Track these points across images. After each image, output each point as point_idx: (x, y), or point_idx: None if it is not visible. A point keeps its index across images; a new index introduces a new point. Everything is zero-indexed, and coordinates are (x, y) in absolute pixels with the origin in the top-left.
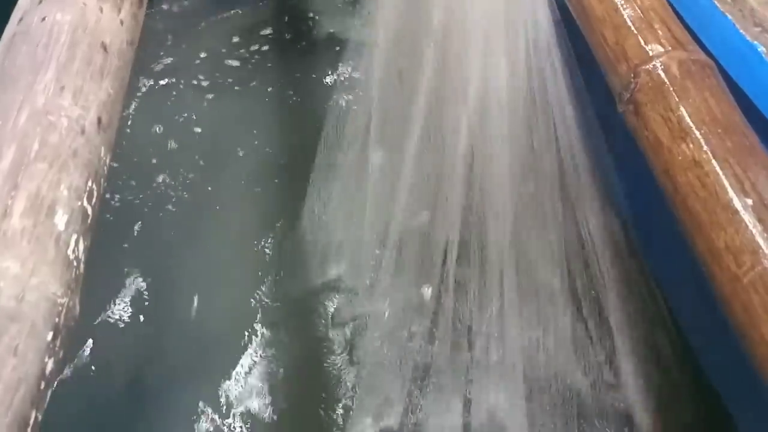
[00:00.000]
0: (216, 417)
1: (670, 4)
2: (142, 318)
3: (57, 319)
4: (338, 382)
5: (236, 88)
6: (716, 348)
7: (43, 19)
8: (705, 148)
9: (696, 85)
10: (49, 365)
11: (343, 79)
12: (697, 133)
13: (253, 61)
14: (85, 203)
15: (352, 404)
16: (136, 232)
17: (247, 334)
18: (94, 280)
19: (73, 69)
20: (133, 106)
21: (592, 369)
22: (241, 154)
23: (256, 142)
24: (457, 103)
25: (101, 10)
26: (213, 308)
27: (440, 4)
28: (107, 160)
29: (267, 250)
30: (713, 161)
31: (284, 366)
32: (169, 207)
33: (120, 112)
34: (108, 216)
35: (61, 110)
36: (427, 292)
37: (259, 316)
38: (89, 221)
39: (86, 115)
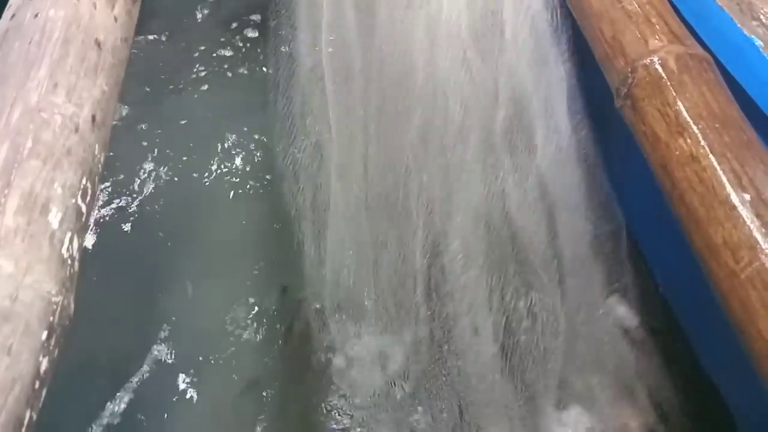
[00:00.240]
0: None
1: None
2: None
3: (51, 318)
4: None
5: None
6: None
7: (36, 15)
8: (703, 142)
9: (693, 80)
10: (44, 364)
11: None
12: (695, 127)
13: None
14: (80, 201)
15: None
16: None
17: None
18: None
19: (66, 66)
20: None
21: None
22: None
23: None
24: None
25: (95, 6)
26: None
27: None
28: (102, 158)
29: None
30: (711, 156)
31: None
32: None
33: (114, 110)
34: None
35: (54, 108)
36: None
37: None
38: (84, 219)
39: (80, 112)
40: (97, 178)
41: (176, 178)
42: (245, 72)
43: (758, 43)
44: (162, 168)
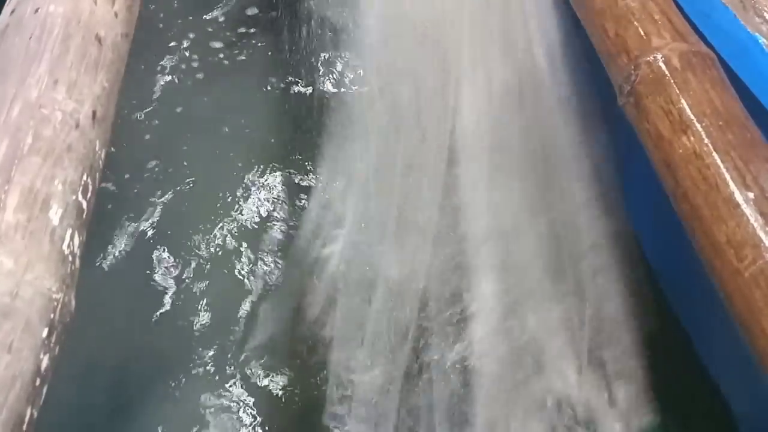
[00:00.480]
0: None
1: None
2: None
3: (52, 315)
4: None
5: None
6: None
7: (36, 10)
8: (706, 140)
9: (697, 77)
10: (45, 362)
11: None
12: (698, 125)
13: None
14: (80, 197)
15: None
16: None
17: None
18: None
19: (67, 62)
20: None
21: None
22: None
23: None
24: None
25: (95, 1)
26: None
27: None
28: (102, 155)
29: None
30: (714, 154)
31: None
32: None
33: (115, 106)
34: None
35: (54, 104)
36: None
37: None
38: (84, 216)
39: (80, 108)
40: (97, 174)
41: (179, 173)
42: (248, 61)
43: (762, 40)
44: (164, 163)
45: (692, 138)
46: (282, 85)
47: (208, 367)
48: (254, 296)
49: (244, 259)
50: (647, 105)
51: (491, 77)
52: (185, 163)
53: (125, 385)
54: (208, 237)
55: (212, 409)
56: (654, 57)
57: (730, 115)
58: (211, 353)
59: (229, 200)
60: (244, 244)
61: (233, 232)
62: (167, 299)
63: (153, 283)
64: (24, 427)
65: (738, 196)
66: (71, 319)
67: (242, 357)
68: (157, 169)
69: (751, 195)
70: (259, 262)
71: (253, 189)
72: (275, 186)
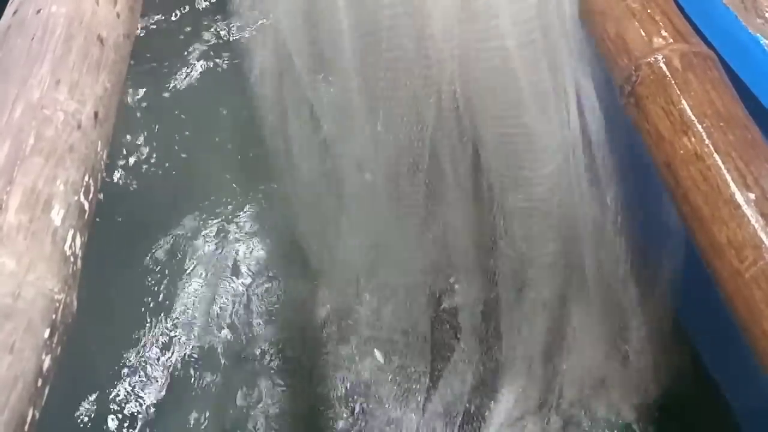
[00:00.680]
0: None
1: None
2: None
3: (54, 316)
4: None
5: None
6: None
7: (38, 11)
8: (707, 141)
9: (698, 78)
10: (47, 362)
11: None
12: (699, 126)
13: None
14: (82, 198)
15: None
16: None
17: None
18: None
19: (69, 62)
20: None
21: None
22: None
23: None
24: None
25: (97, 2)
26: None
27: None
28: (104, 155)
29: None
30: (715, 155)
31: None
32: None
33: (117, 107)
34: None
35: (56, 104)
36: None
37: None
38: (86, 216)
39: (82, 109)
40: (99, 174)
41: (177, 170)
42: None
43: (763, 41)
44: (163, 160)
45: (693, 139)
46: None
47: (208, 368)
48: (255, 297)
49: (245, 261)
50: (648, 106)
51: None
52: (185, 164)
53: (125, 385)
54: (209, 237)
55: (212, 409)
56: (655, 58)
57: (731, 116)
58: (211, 354)
59: (229, 201)
60: (247, 245)
61: (235, 233)
62: (168, 299)
63: (153, 283)
64: (26, 427)
65: (739, 197)
66: (73, 319)
67: (246, 356)
68: (157, 168)
69: (752, 196)
70: (260, 262)
71: (254, 191)
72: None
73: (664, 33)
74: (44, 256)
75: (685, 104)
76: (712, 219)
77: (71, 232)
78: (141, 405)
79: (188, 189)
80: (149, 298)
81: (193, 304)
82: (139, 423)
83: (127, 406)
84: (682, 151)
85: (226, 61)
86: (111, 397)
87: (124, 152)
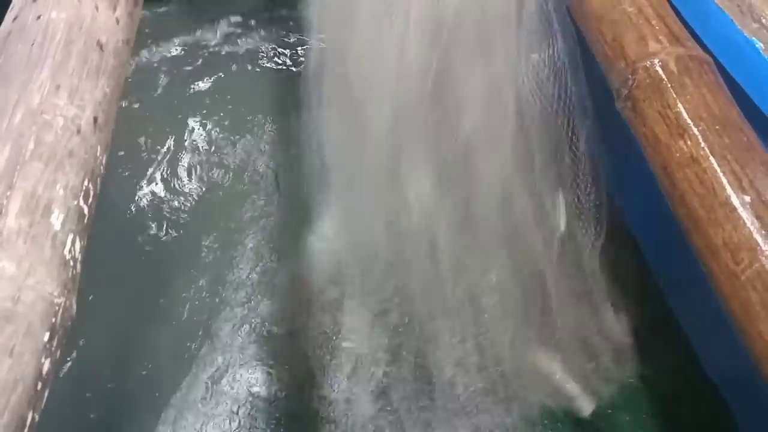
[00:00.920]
0: None
1: (668, 0)
2: None
3: (53, 320)
4: None
5: None
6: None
7: (38, 17)
8: (703, 144)
9: (694, 82)
10: (46, 366)
11: None
12: (695, 129)
13: None
14: (82, 203)
15: None
16: None
17: None
18: None
19: (68, 68)
20: None
21: None
22: None
23: None
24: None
25: (97, 8)
26: None
27: None
28: (103, 160)
29: None
30: (711, 158)
31: None
32: None
33: (116, 112)
34: None
35: (56, 109)
36: None
37: None
38: (86, 221)
39: (82, 114)
40: (98, 179)
41: (180, 173)
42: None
43: (759, 45)
44: (167, 165)
45: (689, 142)
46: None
47: (209, 368)
48: (256, 297)
49: (246, 262)
50: (644, 109)
51: None
52: (186, 164)
53: (125, 386)
54: (209, 238)
55: (212, 410)
56: (651, 62)
57: (727, 119)
58: (212, 356)
59: (230, 202)
60: (248, 247)
61: (239, 231)
62: (167, 300)
63: (153, 284)
64: (25, 430)
65: (734, 200)
66: (72, 323)
67: (245, 359)
68: (157, 169)
69: (747, 198)
70: (261, 264)
71: (255, 194)
72: (274, 193)
73: (660, 37)
74: (44, 260)
75: (681, 108)
76: (708, 221)
77: (71, 237)
78: (141, 405)
79: (189, 193)
80: (149, 299)
81: (194, 306)
82: (140, 423)
83: (128, 407)
84: (678, 155)
85: (226, 62)
86: (111, 397)
87: (124, 156)
